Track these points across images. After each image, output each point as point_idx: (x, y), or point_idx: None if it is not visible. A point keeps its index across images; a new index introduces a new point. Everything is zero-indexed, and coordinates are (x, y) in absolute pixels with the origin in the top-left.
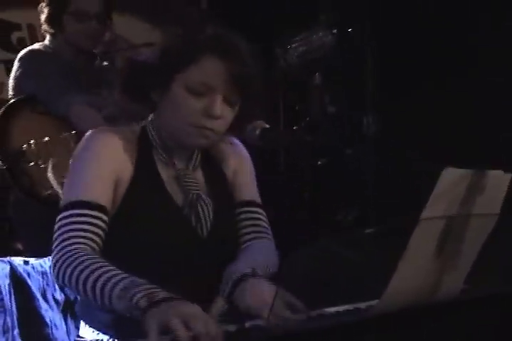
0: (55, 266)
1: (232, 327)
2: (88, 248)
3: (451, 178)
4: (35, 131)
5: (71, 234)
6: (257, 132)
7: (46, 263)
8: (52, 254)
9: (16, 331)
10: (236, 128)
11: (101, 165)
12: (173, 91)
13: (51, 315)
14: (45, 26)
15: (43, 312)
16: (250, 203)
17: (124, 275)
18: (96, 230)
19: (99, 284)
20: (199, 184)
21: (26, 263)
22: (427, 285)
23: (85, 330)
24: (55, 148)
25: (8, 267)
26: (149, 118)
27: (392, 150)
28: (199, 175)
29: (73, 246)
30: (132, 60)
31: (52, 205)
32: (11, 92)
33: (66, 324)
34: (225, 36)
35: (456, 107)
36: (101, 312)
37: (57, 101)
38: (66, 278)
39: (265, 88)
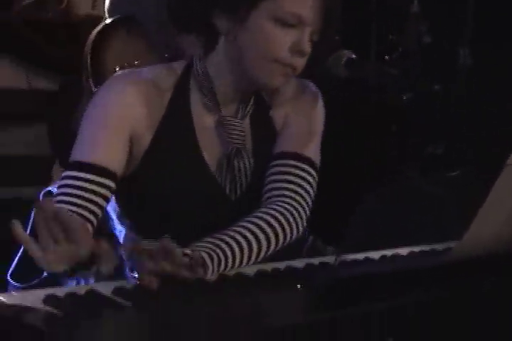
0: None
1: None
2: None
3: None
4: (129, 53)
5: (69, 198)
6: (343, 61)
7: None
8: None
9: None
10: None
11: (113, 122)
12: (256, 22)
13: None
14: None
15: (117, 233)
16: (293, 156)
17: None
18: (100, 201)
19: None
20: (244, 136)
21: None
22: (509, 233)
23: None
24: None
25: None
26: (196, 55)
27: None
28: (246, 125)
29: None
30: None
31: None
32: (106, 9)
33: None
34: None
35: None
36: None
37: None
38: None
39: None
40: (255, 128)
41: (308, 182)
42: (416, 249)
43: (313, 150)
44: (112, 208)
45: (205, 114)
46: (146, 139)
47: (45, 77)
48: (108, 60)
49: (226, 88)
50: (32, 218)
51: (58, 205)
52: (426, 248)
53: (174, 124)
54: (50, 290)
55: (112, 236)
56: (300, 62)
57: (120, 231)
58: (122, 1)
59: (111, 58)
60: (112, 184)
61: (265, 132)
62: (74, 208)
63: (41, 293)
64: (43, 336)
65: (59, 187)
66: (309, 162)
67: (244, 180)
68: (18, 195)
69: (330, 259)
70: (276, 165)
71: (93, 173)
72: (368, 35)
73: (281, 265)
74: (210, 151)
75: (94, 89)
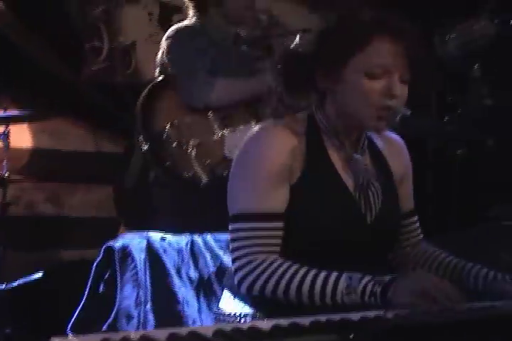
0: (244, 278)
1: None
2: (272, 257)
3: None
4: (178, 111)
5: (257, 248)
6: (397, 118)
7: (183, 240)
8: (236, 266)
9: (149, 305)
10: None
11: (274, 168)
12: (349, 78)
13: (184, 292)
14: (194, 2)
15: (176, 288)
16: (414, 213)
17: (326, 273)
18: (276, 241)
19: (316, 288)
20: (369, 169)
21: (163, 239)
22: None
23: (227, 302)
24: (198, 129)
25: (145, 241)
26: (313, 107)
27: None
28: (367, 160)
29: (259, 260)
30: (295, 52)
31: (191, 187)
32: (157, 71)
33: (198, 302)
34: (391, 18)
35: None
36: None
37: (202, 86)
38: (260, 289)
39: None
40: (375, 163)
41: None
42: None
43: None
44: (171, 264)
45: (335, 151)
46: (294, 178)
47: (113, 140)
48: (157, 119)
49: (344, 130)
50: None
51: (254, 256)
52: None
53: (316, 162)
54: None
55: (170, 291)
56: (395, 104)
57: (179, 287)
58: (172, 62)
59: (160, 117)
60: (282, 224)
61: (383, 168)
62: (269, 252)
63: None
64: None
65: (242, 239)
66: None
67: (377, 206)
68: (85, 256)
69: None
70: (412, 223)
71: (269, 220)
72: (427, 94)
73: (336, 316)
74: (348, 181)
75: (145, 147)
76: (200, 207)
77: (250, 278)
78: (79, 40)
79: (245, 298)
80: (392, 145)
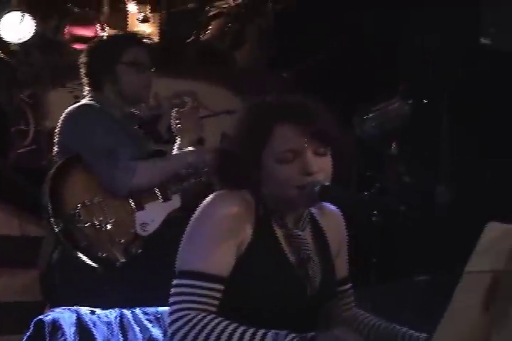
0: (177, 331)
1: None
2: (206, 313)
3: (495, 233)
4: (89, 189)
5: (193, 305)
6: (316, 188)
7: (112, 314)
8: (171, 319)
9: None
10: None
11: (225, 233)
12: (268, 166)
13: None
14: (90, 79)
15: None
16: (347, 280)
17: (254, 329)
18: (214, 302)
19: None
20: (309, 244)
21: (92, 312)
22: None
23: None
24: (112, 208)
25: (74, 316)
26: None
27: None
28: (308, 235)
29: (193, 314)
30: (222, 151)
31: (107, 267)
32: (55, 149)
33: None
34: (293, 103)
35: None
36: None
37: (108, 164)
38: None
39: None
40: (315, 238)
41: None
42: None
43: None
44: (101, 337)
45: (278, 227)
46: (243, 247)
47: (38, 223)
48: (67, 198)
49: (283, 207)
50: None
51: (189, 312)
52: None
53: (262, 236)
54: None
55: None
56: (317, 178)
57: None
58: (75, 140)
59: (70, 196)
60: (223, 287)
61: (322, 243)
62: (201, 312)
63: None
64: None
65: (182, 294)
66: None
67: (317, 279)
68: None
69: None
70: (346, 290)
71: (211, 281)
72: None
73: None
74: (291, 257)
75: (56, 229)
76: (120, 284)
77: (182, 332)
78: (5, 124)
79: None
80: (328, 216)
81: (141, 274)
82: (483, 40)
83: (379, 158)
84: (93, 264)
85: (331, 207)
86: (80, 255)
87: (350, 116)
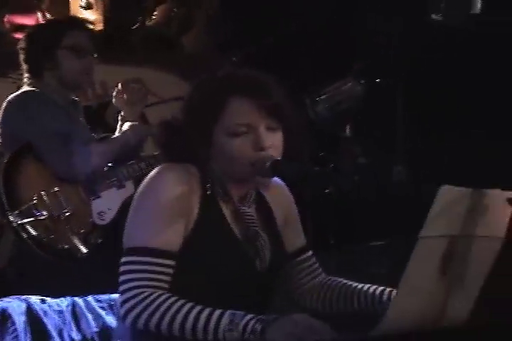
0: (130, 311)
1: None
2: (159, 291)
3: (449, 197)
4: (42, 180)
5: (145, 282)
6: (268, 164)
7: (63, 302)
8: (123, 299)
9: None
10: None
11: (172, 208)
12: (219, 142)
13: None
14: (29, 65)
15: None
16: (305, 249)
17: (210, 309)
18: (166, 278)
19: (200, 323)
20: (256, 220)
21: (43, 301)
22: (431, 308)
23: None
24: (68, 198)
25: (24, 305)
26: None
27: None
28: (253, 212)
29: (147, 293)
30: (168, 124)
31: (69, 259)
32: None
33: None
34: (246, 76)
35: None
36: None
37: (62, 150)
38: (145, 322)
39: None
40: (261, 214)
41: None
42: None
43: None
44: (52, 326)
45: (225, 203)
46: (191, 222)
47: None
48: (22, 190)
49: (231, 184)
50: None
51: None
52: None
53: (209, 212)
54: None
55: None
56: (268, 154)
57: None
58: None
59: (25, 188)
60: (174, 262)
61: (269, 219)
62: (153, 289)
63: None
64: None
65: (131, 272)
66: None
67: (267, 255)
68: None
69: None
70: (305, 260)
71: (161, 257)
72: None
73: None
74: (238, 233)
75: (14, 223)
76: (79, 273)
77: (136, 311)
78: None
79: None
80: (273, 190)
81: (100, 264)
82: (434, 16)
83: (333, 139)
84: (54, 258)
85: (275, 179)
86: (40, 250)
87: (303, 98)
